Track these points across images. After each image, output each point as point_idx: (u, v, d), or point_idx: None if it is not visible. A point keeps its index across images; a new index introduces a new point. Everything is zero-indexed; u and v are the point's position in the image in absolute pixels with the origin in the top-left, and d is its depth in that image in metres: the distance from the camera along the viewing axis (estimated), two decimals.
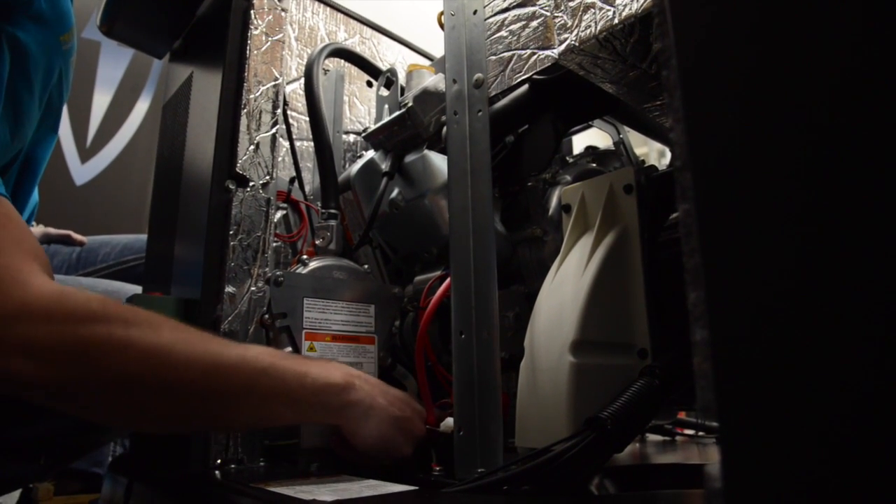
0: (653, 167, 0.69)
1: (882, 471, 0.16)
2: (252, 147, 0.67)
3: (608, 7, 0.50)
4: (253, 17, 0.69)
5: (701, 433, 0.93)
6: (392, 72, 0.82)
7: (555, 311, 0.53)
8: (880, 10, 0.18)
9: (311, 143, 0.79)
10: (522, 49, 0.59)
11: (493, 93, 0.62)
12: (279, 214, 0.79)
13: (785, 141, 0.19)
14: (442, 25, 0.68)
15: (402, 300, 0.75)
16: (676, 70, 0.22)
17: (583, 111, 0.73)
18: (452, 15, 0.66)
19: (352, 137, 1.03)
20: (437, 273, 0.71)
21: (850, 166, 0.18)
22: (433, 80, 0.74)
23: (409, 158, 0.76)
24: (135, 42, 0.85)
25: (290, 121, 0.87)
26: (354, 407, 0.55)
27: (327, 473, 0.58)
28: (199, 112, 0.73)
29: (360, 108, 1.07)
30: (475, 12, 0.65)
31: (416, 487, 0.49)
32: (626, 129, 0.82)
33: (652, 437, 0.94)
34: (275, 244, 0.73)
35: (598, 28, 0.51)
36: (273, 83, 0.70)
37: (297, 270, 0.66)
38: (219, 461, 0.58)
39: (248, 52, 0.68)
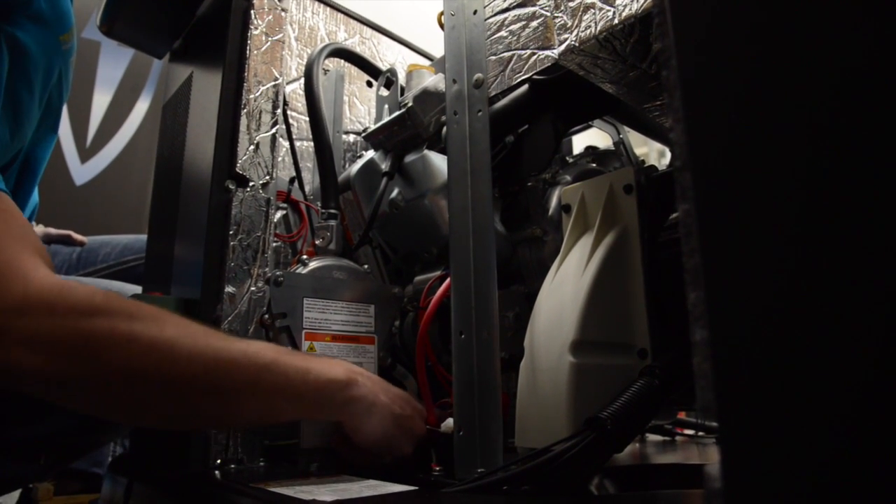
0: (653, 167, 0.69)
1: (882, 471, 0.16)
2: (252, 147, 0.67)
3: (608, 7, 0.50)
4: (253, 17, 0.69)
5: (701, 433, 0.93)
6: (392, 72, 0.82)
7: (555, 311, 0.53)
8: (881, 10, 0.18)
9: (311, 143, 0.79)
10: (522, 49, 0.59)
11: (493, 93, 0.62)
12: (279, 214, 0.79)
13: (785, 141, 0.19)
14: (442, 25, 0.68)
15: (402, 300, 0.75)
16: (676, 70, 0.22)
17: (583, 111, 0.73)
18: (452, 15, 0.66)
19: (352, 137, 1.03)
20: (437, 273, 0.71)
21: (851, 166, 0.18)
22: (433, 80, 0.74)
23: (409, 158, 0.76)
24: (135, 42, 0.85)
25: (290, 121, 0.87)
26: (357, 403, 0.55)
27: (327, 473, 0.58)
28: (199, 112, 0.73)
29: (360, 108, 1.07)
30: (475, 12, 0.65)
31: (416, 487, 0.49)
32: (626, 129, 0.82)
33: (652, 437, 0.94)
34: (275, 244, 0.73)
35: (598, 28, 0.51)
36: (273, 83, 0.70)
37: (297, 270, 0.66)
38: (219, 461, 0.59)
39: (248, 52, 0.68)
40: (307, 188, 0.87)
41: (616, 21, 0.50)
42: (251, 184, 0.66)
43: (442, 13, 0.68)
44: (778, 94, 0.19)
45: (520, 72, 0.60)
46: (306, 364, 0.54)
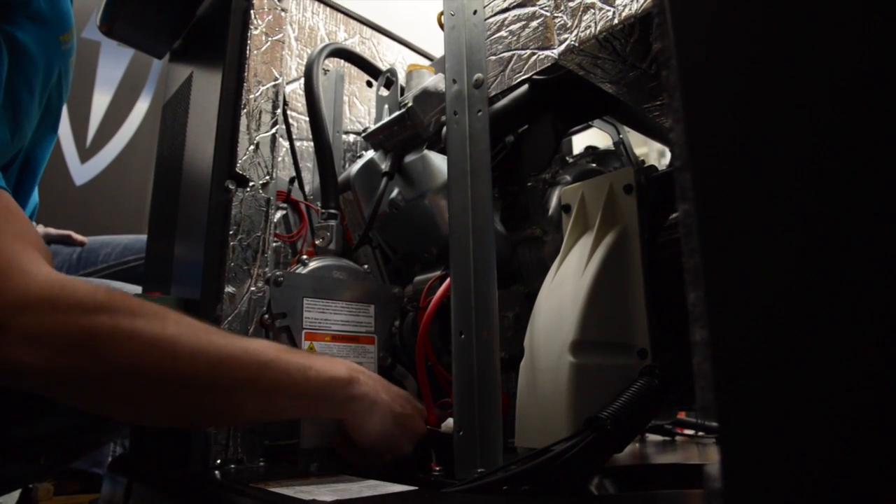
0: (653, 167, 0.69)
1: (882, 471, 0.16)
2: (252, 147, 0.67)
3: (608, 7, 0.50)
4: (253, 17, 0.69)
5: (701, 433, 0.93)
6: (392, 72, 0.82)
7: (555, 311, 0.53)
8: (881, 10, 0.18)
9: (311, 143, 0.79)
10: (522, 49, 0.59)
11: (493, 93, 0.62)
12: (279, 214, 0.79)
13: (785, 141, 0.19)
14: (442, 25, 0.68)
15: (402, 300, 0.75)
16: (676, 70, 0.22)
17: (583, 111, 0.73)
18: (452, 15, 0.66)
19: (352, 137, 1.03)
20: (437, 273, 0.71)
21: (851, 166, 0.18)
22: (433, 80, 0.74)
23: (409, 158, 0.76)
24: (135, 42, 0.85)
25: (290, 121, 0.87)
26: (359, 401, 0.55)
27: (327, 473, 0.58)
28: (199, 112, 0.73)
29: (360, 108, 1.07)
30: (475, 12, 0.65)
31: (416, 487, 0.49)
32: (626, 129, 0.82)
33: (652, 437, 0.94)
34: (275, 244, 0.73)
35: (598, 28, 0.51)
36: (273, 83, 0.70)
37: (297, 270, 0.66)
38: (218, 461, 0.59)
39: (248, 52, 0.68)
40: (307, 188, 0.87)
41: (616, 21, 0.50)
42: (251, 184, 0.66)
43: (442, 13, 0.68)
44: (778, 93, 0.19)
45: (520, 72, 0.60)
46: (308, 362, 0.54)
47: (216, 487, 0.53)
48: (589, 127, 0.83)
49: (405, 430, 0.59)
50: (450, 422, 0.60)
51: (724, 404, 0.19)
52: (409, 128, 0.74)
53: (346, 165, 0.98)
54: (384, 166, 0.76)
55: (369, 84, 1.07)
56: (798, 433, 0.17)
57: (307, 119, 0.78)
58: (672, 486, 0.58)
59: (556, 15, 0.56)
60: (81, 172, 2.19)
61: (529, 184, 0.71)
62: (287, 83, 0.97)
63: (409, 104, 0.72)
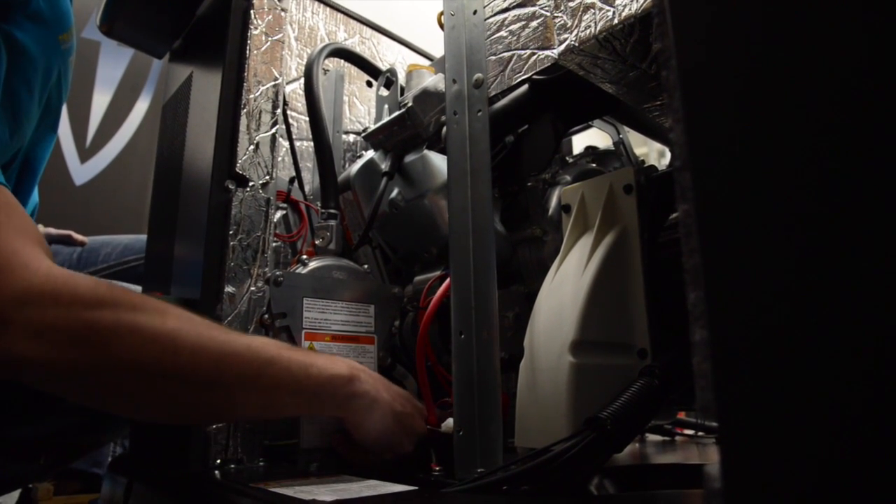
0: (653, 167, 0.69)
1: (882, 471, 0.16)
2: (252, 147, 0.67)
3: (608, 7, 0.50)
4: (253, 17, 0.69)
5: (700, 433, 0.93)
6: (392, 72, 0.82)
7: (554, 311, 0.53)
8: (881, 10, 0.18)
9: (311, 143, 0.79)
10: (522, 49, 0.59)
11: (493, 93, 0.62)
12: (279, 214, 0.79)
13: (785, 141, 0.19)
14: (442, 25, 0.68)
15: (402, 300, 0.75)
16: (676, 70, 0.22)
17: (583, 111, 0.73)
18: (452, 15, 0.66)
19: (352, 137, 1.03)
20: (437, 273, 0.71)
21: (851, 166, 0.18)
22: (433, 80, 0.74)
23: (409, 158, 0.76)
24: (135, 42, 0.85)
25: (290, 121, 0.87)
26: (360, 399, 0.55)
27: (327, 473, 0.58)
28: (199, 112, 0.73)
29: (360, 108, 1.07)
30: (475, 12, 0.65)
31: (416, 487, 0.49)
32: (626, 129, 0.82)
33: (652, 437, 0.94)
34: (274, 244, 0.73)
35: (598, 28, 0.51)
36: (273, 83, 0.70)
37: (297, 270, 0.66)
38: (218, 461, 0.58)
39: (247, 52, 0.68)
40: (307, 188, 0.87)
41: (616, 21, 0.50)
42: (251, 184, 0.66)
43: (442, 13, 0.68)
44: (778, 93, 0.19)
45: (520, 72, 0.60)
46: (309, 359, 0.54)
47: (216, 487, 0.53)
48: (589, 127, 0.83)
49: (405, 428, 0.59)
50: (450, 422, 0.60)
51: (724, 404, 0.19)
52: (409, 128, 0.74)
53: (346, 165, 0.98)
54: (384, 166, 0.76)
55: (369, 84, 1.07)
56: (798, 433, 0.17)
57: (307, 119, 0.78)
58: (672, 486, 0.58)
59: (556, 15, 0.56)
60: (81, 172, 2.19)
61: (529, 184, 0.71)
62: (287, 83, 0.97)
63: (409, 104, 0.72)
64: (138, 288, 0.87)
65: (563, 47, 0.54)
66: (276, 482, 0.51)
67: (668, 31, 0.22)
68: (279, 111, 0.71)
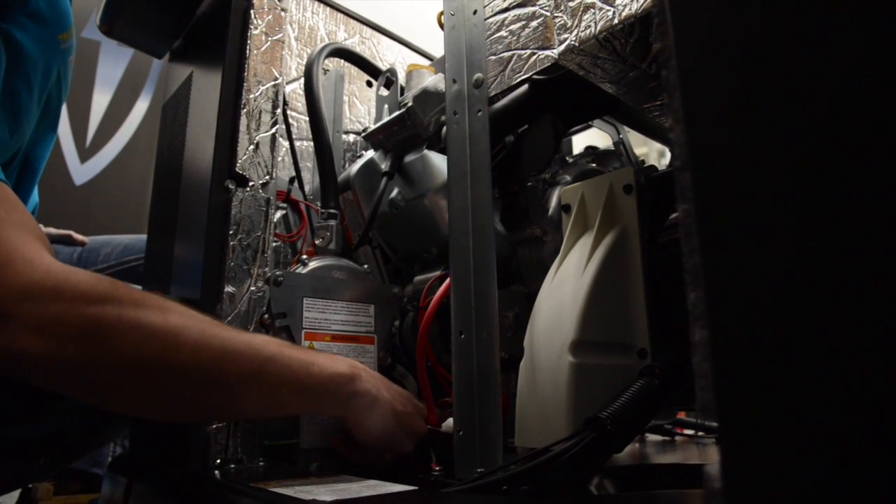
0: (653, 167, 0.69)
1: (882, 471, 0.16)
2: (252, 147, 0.67)
3: (608, 7, 0.50)
4: (253, 16, 0.69)
5: (701, 433, 0.93)
6: (392, 72, 0.82)
7: (554, 311, 0.53)
8: (881, 10, 0.18)
9: (311, 143, 0.79)
10: (522, 49, 0.59)
11: (493, 93, 0.62)
12: (279, 214, 0.79)
13: (785, 140, 0.19)
14: (442, 25, 0.68)
15: (402, 300, 0.75)
16: (676, 70, 0.22)
17: (583, 111, 0.73)
18: (452, 15, 0.66)
19: (352, 137, 1.03)
20: (437, 273, 0.71)
21: (851, 166, 0.18)
22: (433, 80, 0.74)
23: (409, 158, 0.76)
24: (135, 42, 0.85)
25: (290, 121, 0.87)
26: (361, 397, 0.55)
27: (327, 473, 0.58)
28: (199, 112, 0.73)
29: (360, 108, 1.07)
30: (475, 12, 0.65)
31: (416, 487, 0.49)
32: (626, 129, 0.82)
33: (652, 437, 0.94)
34: (274, 244, 0.73)
35: (598, 28, 0.51)
36: (273, 83, 0.70)
37: (297, 270, 0.66)
38: (218, 461, 0.58)
39: (247, 51, 0.68)
40: (307, 188, 0.87)
41: (616, 21, 0.50)
42: (251, 184, 0.66)
43: (442, 13, 0.68)
44: (778, 93, 0.19)
45: (520, 72, 0.60)
46: (310, 358, 0.54)
47: (216, 487, 0.53)
48: (589, 127, 0.83)
49: (406, 428, 0.59)
50: (450, 422, 0.60)
51: (724, 404, 0.19)
52: (409, 128, 0.74)
53: (346, 165, 0.98)
54: (384, 166, 0.76)
55: (369, 84, 1.07)
56: (798, 433, 0.17)
57: (307, 119, 0.78)
58: (672, 486, 0.58)
59: (556, 15, 0.56)
60: (81, 172, 2.19)
61: (529, 184, 0.71)
62: (287, 83, 0.97)
63: (409, 104, 0.72)
64: (138, 288, 0.87)
65: (563, 47, 0.54)
66: (276, 482, 0.51)
67: (668, 31, 0.22)
68: (279, 111, 0.71)
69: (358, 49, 0.99)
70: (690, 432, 0.95)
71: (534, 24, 0.58)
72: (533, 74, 0.59)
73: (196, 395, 0.51)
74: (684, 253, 0.21)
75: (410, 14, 1.22)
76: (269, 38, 0.71)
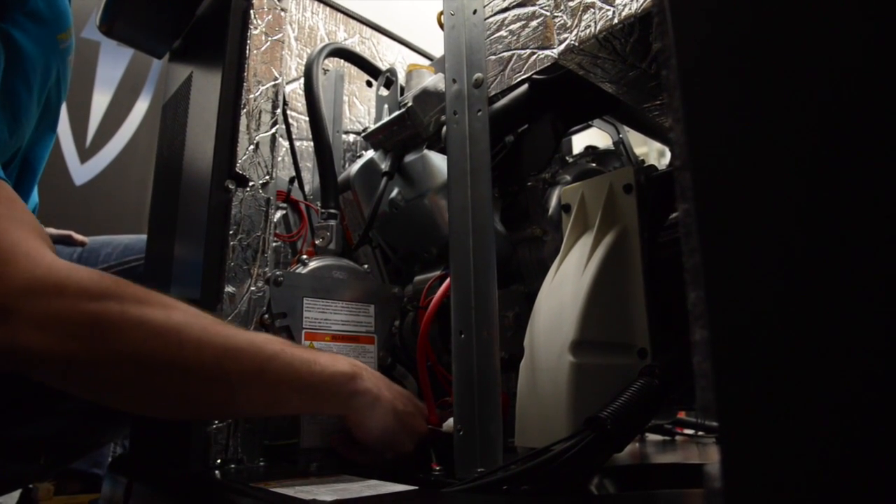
0: (653, 167, 0.69)
1: (882, 471, 0.16)
2: (252, 147, 0.67)
3: (608, 7, 0.50)
4: (253, 17, 0.69)
5: (701, 433, 0.93)
6: (392, 72, 0.82)
7: (555, 310, 0.53)
8: (881, 10, 0.18)
9: (311, 143, 0.79)
10: (522, 49, 0.59)
11: (493, 93, 0.62)
12: (279, 214, 0.79)
13: (785, 140, 0.19)
14: (442, 25, 0.68)
15: (402, 300, 0.75)
16: (676, 70, 0.22)
17: (583, 111, 0.73)
18: (452, 15, 0.66)
19: (352, 137, 1.03)
20: (437, 273, 0.71)
21: (851, 166, 0.18)
22: (433, 80, 0.74)
23: (409, 158, 0.76)
24: (135, 42, 0.85)
25: (290, 121, 0.87)
26: (362, 396, 0.55)
27: (327, 473, 0.58)
28: (199, 112, 0.73)
29: (360, 108, 1.07)
30: (475, 12, 0.65)
31: (416, 487, 0.49)
32: (626, 128, 0.82)
33: (652, 437, 0.94)
34: (274, 244, 0.73)
35: (598, 28, 0.51)
36: (273, 83, 0.70)
37: (297, 270, 0.66)
38: (218, 461, 0.58)
39: (247, 51, 0.68)
40: (307, 188, 0.87)
41: (616, 21, 0.50)
42: (251, 184, 0.66)
43: (442, 13, 0.68)
44: (778, 93, 0.19)
45: (519, 71, 0.60)
46: (312, 357, 0.54)
47: (216, 487, 0.53)
48: (589, 127, 0.83)
49: (406, 427, 0.59)
50: (450, 421, 0.60)
51: (724, 404, 0.19)
52: (408, 127, 0.74)
53: (346, 165, 0.98)
54: (384, 166, 0.76)
55: (369, 84, 1.07)
56: (798, 433, 0.17)
57: (307, 119, 0.78)
58: (672, 486, 0.58)
59: (555, 14, 0.56)
60: (81, 172, 2.18)
61: (529, 184, 0.71)
62: (287, 83, 0.97)
63: (409, 104, 0.72)
64: None
65: (563, 47, 0.54)
66: (276, 482, 0.51)
67: (668, 31, 0.22)
68: (279, 111, 0.71)
69: (358, 49, 0.99)
70: (690, 432, 0.95)
71: (534, 23, 0.58)
72: (533, 74, 0.59)
73: (198, 393, 0.51)
74: (684, 252, 0.21)
75: (410, 14, 1.22)
76: (269, 38, 0.71)
